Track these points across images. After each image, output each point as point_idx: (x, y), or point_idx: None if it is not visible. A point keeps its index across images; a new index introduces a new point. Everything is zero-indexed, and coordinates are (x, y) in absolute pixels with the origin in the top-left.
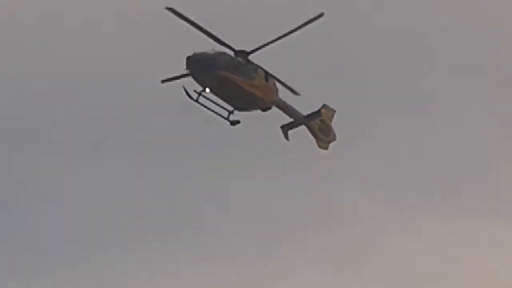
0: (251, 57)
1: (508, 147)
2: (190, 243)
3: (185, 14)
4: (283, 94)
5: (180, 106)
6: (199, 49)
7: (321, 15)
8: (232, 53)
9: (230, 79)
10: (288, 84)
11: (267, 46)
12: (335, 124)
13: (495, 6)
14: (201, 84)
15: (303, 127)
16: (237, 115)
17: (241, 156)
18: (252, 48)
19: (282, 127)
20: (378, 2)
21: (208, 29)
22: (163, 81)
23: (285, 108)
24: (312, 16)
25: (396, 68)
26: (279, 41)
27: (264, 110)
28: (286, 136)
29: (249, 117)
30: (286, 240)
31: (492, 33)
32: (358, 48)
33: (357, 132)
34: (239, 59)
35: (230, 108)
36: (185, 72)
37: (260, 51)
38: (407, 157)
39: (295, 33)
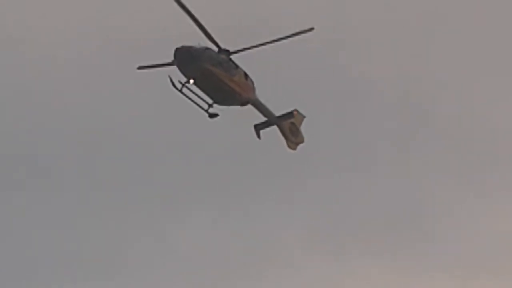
0: (233, 58)
1: (445, 200)
2: (123, 283)
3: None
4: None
5: (119, 143)
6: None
7: (310, 29)
8: (216, 50)
9: (213, 72)
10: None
11: (249, 50)
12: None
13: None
14: (185, 75)
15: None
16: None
17: (178, 196)
18: (235, 49)
19: (255, 126)
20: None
21: (201, 21)
22: (140, 67)
23: (260, 107)
24: (302, 29)
25: (341, 119)
26: (262, 47)
27: (242, 105)
28: (258, 135)
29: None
30: None
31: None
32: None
33: (300, 182)
34: (223, 56)
35: (210, 101)
36: (164, 62)
37: (242, 53)
38: (348, 209)
39: (280, 42)
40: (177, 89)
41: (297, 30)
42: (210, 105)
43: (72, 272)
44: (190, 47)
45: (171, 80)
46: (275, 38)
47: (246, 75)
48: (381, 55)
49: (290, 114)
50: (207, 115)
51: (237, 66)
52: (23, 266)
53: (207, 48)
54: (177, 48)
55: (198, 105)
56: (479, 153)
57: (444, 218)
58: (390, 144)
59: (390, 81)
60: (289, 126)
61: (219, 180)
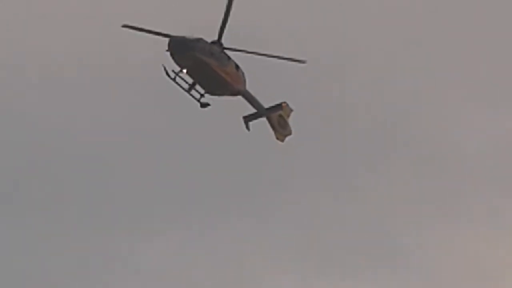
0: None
1: (418, 222)
2: None
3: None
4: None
5: (90, 160)
6: None
7: (303, 61)
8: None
9: (206, 62)
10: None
11: (241, 52)
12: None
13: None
14: (179, 65)
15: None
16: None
17: (149, 216)
18: (228, 46)
19: (245, 117)
20: None
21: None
22: (124, 26)
23: (250, 98)
24: (295, 58)
25: (315, 141)
26: (255, 55)
27: (233, 95)
28: (247, 127)
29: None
30: None
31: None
32: None
33: (275, 203)
34: (215, 47)
35: (202, 91)
36: (148, 29)
37: (233, 52)
38: (321, 230)
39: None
40: (170, 78)
41: (291, 57)
42: (202, 95)
43: None
44: (184, 37)
45: (165, 69)
46: (268, 53)
47: (237, 66)
48: (356, 79)
49: (279, 106)
50: (199, 104)
51: (229, 58)
52: None
53: (200, 39)
54: (171, 38)
55: (190, 94)
56: (450, 178)
57: (416, 240)
58: (364, 168)
59: (365, 106)
60: (278, 118)
61: (192, 199)
